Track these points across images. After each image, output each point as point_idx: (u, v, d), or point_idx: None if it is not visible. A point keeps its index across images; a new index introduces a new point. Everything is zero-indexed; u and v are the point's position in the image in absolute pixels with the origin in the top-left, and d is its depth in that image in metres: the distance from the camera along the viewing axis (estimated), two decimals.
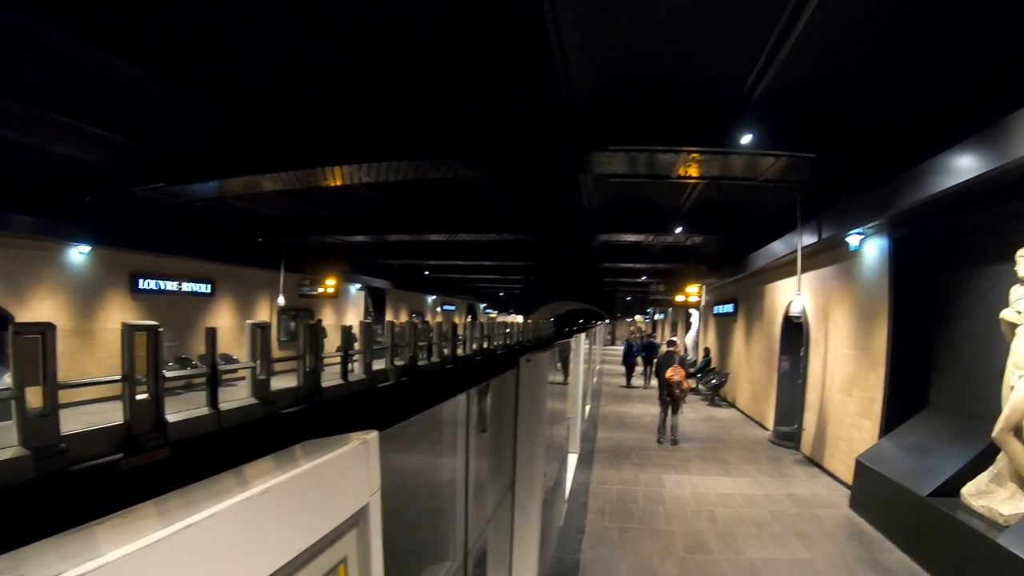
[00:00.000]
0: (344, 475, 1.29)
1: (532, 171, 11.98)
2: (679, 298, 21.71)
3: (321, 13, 6.73)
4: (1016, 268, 6.09)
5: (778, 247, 12.48)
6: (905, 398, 8.67)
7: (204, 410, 6.84)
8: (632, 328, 47.52)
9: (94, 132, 9.69)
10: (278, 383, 7.52)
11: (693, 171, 9.73)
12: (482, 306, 53.34)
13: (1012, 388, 6.05)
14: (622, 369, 25.67)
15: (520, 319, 44.85)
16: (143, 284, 17.65)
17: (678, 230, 15.51)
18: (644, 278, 29.16)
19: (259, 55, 7.60)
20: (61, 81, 8.14)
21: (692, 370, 21.20)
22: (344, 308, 29.02)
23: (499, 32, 6.99)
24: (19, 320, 13.16)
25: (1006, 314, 6.23)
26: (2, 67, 7.52)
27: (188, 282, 19.34)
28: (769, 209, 12.87)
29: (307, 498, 1.13)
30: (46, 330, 5.11)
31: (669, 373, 13.10)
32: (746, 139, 8.31)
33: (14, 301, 13.89)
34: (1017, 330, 6.09)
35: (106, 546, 0.72)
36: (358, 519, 1.32)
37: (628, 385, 24.10)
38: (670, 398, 13.06)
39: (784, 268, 12.97)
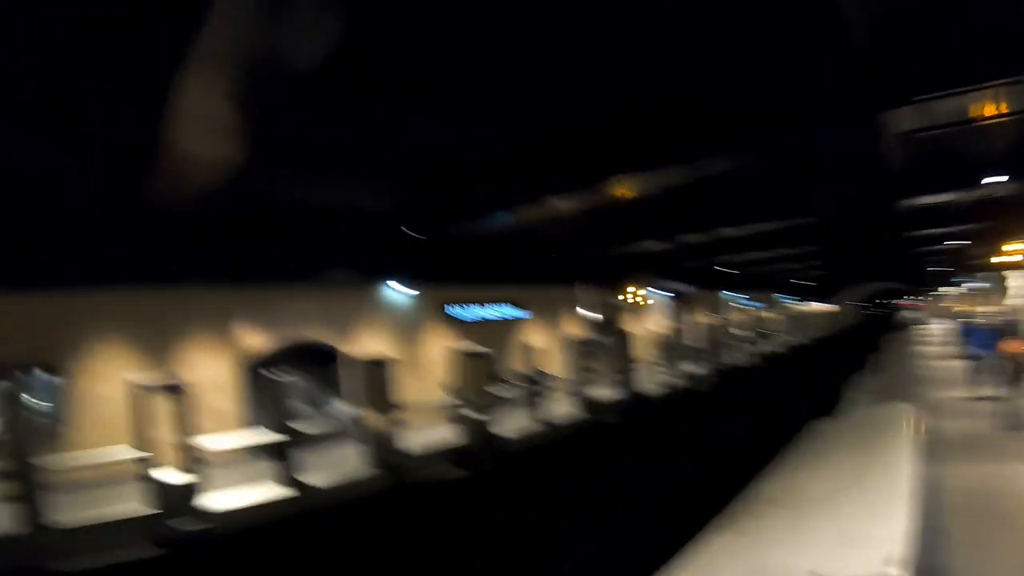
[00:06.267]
0: None
1: (826, 144, 12.02)
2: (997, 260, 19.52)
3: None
4: None
5: None
6: None
7: (533, 424, 7.69)
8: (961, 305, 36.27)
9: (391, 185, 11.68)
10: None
11: (1004, 108, 9.27)
12: (780, 296, 50.55)
13: None
14: (938, 351, 22.40)
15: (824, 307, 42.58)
16: (453, 311, 19.48)
17: (993, 179, 14.25)
18: (951, 243, 26.29)
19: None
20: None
21: None
22: (647, 316, 28.84)
23: None
24: (341, 353, 15.01)
25: None
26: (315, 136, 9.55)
27: (495, 305, 21.00)
28: None
29: None
30: (385, 362, 6.66)
31: (1014, 345, 11.27)
32: None
33: (338, 339, 15.53)
34: None
35: None
36: None
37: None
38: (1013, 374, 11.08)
39: None
